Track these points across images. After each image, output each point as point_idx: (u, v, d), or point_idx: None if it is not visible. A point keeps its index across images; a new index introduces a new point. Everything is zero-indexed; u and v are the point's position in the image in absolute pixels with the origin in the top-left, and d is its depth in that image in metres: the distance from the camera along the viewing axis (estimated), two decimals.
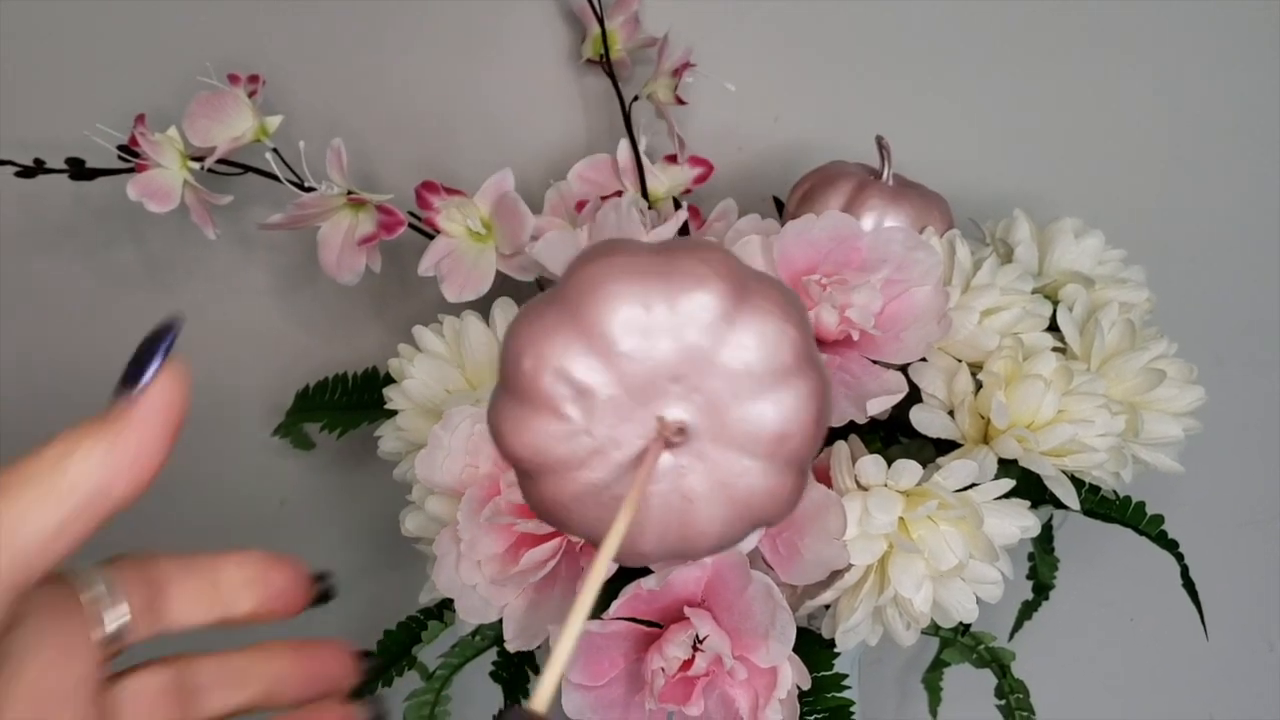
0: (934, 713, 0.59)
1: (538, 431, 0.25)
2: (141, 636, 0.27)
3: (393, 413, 0.47)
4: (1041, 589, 0.55)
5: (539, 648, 0.40)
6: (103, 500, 0.23)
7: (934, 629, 0.47)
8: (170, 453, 0.24)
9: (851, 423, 0.41)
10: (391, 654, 0.47)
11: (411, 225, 0.50)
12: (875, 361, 0.42)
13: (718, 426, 0.25)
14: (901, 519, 0.40)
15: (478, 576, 0.39)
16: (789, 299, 0.25)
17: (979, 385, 0.43)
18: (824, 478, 0.41)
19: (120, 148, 0.49)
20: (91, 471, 0.22)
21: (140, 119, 0.49)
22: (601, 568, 0.23)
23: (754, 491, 0.26)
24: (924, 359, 0.44)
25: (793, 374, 0.25)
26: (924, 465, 0.40)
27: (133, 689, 0.27)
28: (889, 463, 0.40)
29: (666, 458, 0.25)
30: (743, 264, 0.25)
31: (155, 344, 0.24)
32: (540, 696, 0.20)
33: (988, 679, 0.50)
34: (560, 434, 0.25)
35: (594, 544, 0.26)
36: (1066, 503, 0.43)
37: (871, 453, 0.40)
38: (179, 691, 0.28)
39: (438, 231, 0.49)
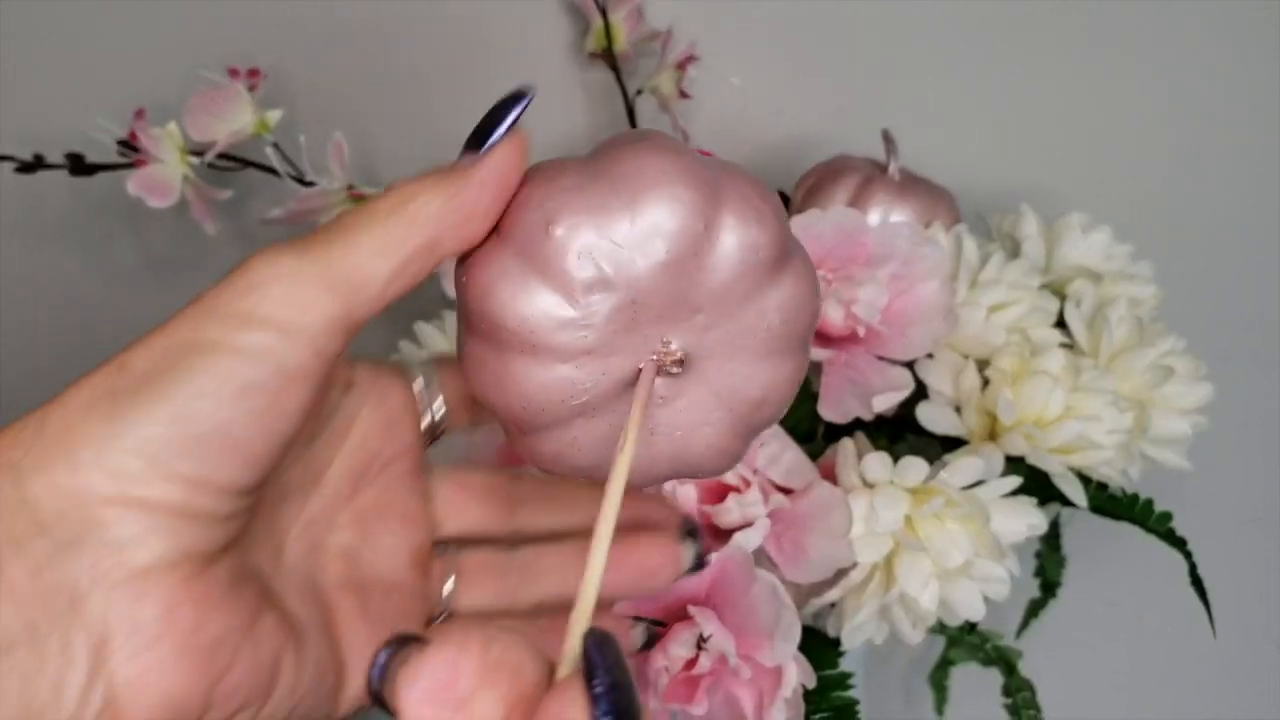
0: (940, 711, 0.59)
1: (539, 306, 0.22)
2: (456, 427, 0.28)
3: None
4: (1049, 587, 0.55)
5: None
6: (430, 253, 0.23)
7: (940, 627, 0.46)
8: (496, 220, 0.23)
9: (857, 419, 0.40)
10: None
11: None
12: (881, 358, 0.42)
13: (712, 371, 0.24)
14: (908, 517, 0.39)
15: None
16: (814, 272, 0.24)
17: (986, 382, 0.43)
18: (830, 475, 0.41)
19: (120, 142, 0.49)
20: (428, 222, 0.23)
21: (140, 114, 0.48)
22: (619, 482, 0.21)
23: (709, 445, 0.25)
24: (930, 355, 0.44)
25: (797, 348, 0.24)
26: (930, 463, 0.40)
27: (458, 478, 0.28)
28: (895, 460, 0.40)
29: (655, 382, 0.24)
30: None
31: (505, 109, 0.24)
32: (579, 614, 0.19)
33: (994, 677, 0.50)
34: (561, 319, 0.22)
35: (519, 432, 0.25)
36: (1074, 500, 0.43)
37: (877, 450, 0.40)
38: (503, 496, 0.29)
39: None
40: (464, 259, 0.24)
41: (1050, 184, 0.59)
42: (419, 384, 0.28)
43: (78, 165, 0.49)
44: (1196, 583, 0.47)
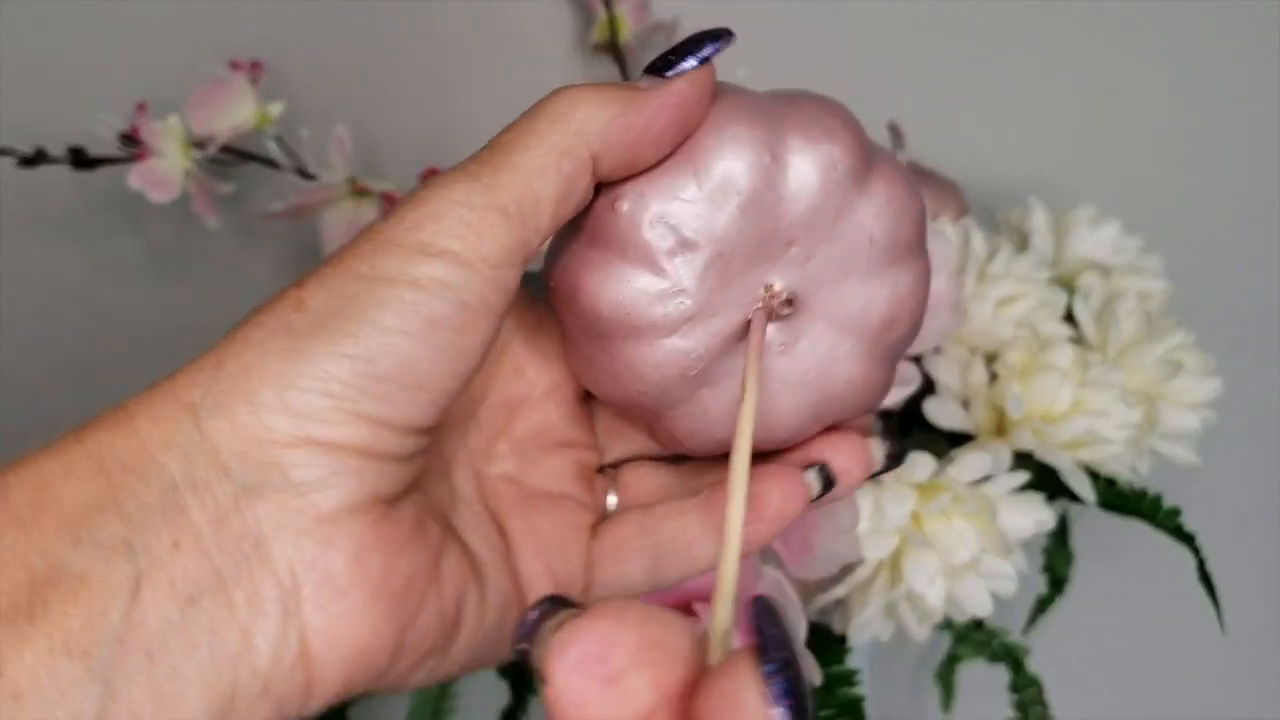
0: (947, 708, 0.59)
1: (628, 286, 0.21)
2: None
3: None
4: (1057, 583, 0.55)
5: None
6: (591, 170, 0.21)
7: (947, 624, 0.46)
8: (659, 159, 0.21)
9: None
10: None
11: None
12: None
13: (826, 301, 0.23)
14: (915, 513, 0.39)
15: None
16: (908, 173, 0.23)
17: (993, 376, 0.43)
18: None
19: (122, 136, 0.48)
20: (591, 136, 0.21)
21: (141, 107, 0.48)
22: (746, 440, 0.20)
23: (850, 380, 0.23)
24: (937, 350, 0.43)
25: (912, 254, 0.23)
26: (938, 458, 0.40)
27: None
28: None
29: (768, 330, 0.22)
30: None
31: (699, 44, 0.22)
32: (722, 596, 0.18)
33: (1002, 674, 0.49)
34: (655, 292, 0.21)
35: (650, 419, 0.24)
36: (1082, 496, 0.43)
37: None
38: None
39: None
40: (547, 265, 0.23)
41: (1059, 177, 0.58)
42: None
43: (79, 159, 0.49)
44: (1205, 579, 0.47)
